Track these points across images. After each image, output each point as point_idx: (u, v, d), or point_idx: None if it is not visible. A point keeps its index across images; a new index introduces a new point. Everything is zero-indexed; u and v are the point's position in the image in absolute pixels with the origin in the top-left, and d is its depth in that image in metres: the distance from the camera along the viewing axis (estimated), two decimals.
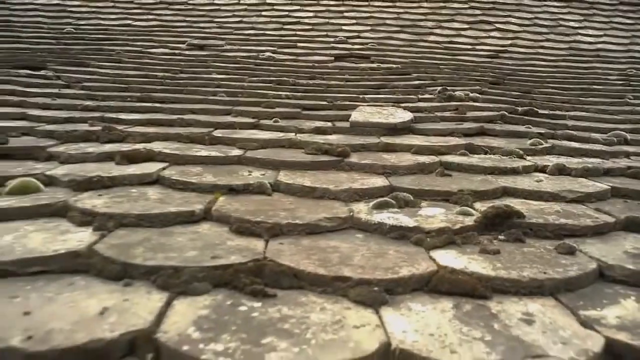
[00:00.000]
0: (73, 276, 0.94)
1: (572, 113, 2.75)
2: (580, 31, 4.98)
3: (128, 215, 1.16)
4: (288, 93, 2.84)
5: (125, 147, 1.79)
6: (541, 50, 4.50)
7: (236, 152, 1.77)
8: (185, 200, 1.30)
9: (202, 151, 1.75)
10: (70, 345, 0.71)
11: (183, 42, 4.31)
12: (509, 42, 4.64)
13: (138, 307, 0.82)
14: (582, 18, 5.26)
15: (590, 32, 4.97)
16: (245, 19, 5.06)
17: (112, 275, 0.94)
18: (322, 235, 1.16)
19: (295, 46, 4.29)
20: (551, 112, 2.70)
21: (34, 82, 2.95)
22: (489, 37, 4.72)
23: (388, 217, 1.23)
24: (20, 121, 2.19)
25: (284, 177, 1.52)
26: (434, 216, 1.26)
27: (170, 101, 2.64)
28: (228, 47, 4.29)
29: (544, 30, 4.94)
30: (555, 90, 3.29)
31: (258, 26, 4.89)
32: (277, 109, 2.48)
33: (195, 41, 4.35)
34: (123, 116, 2.27)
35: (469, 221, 1.23)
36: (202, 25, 4.90)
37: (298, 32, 4.68)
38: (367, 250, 1.07)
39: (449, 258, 1.04)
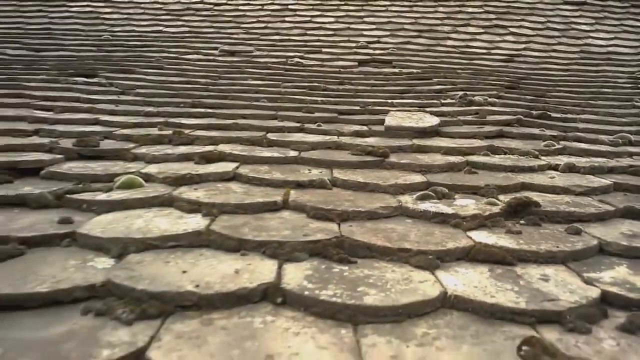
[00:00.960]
0: (200, 249, 1.26)
1: (582, 116, 3.01)
2: (591, 34, 5.17)
3: (227, 205, 1.48)
4: (323, 98, 3.14)
5: (196, 149, 2.11)
6: (553, 54, 4.73)
7: (292, 153, 2.08)
8: (265, 193, 1.61)
9: (265, 152, 2.06)
10: (227, 291, 1.02)
11: (214, 48, 4.61)
12: (523, 45, 4.88)
13: (260, 268, 1.14)
14: (593, 21, 5.46)
15: (602, 35, 5.15)
16: (270, 25, 5.34)
17: (230, 248, 1.25)
18: (380, 220, 1.46)
19: (320, 51, 4.56)
20: (563, 115, 2.96)
21: (93, 90, 3.27)
22: (504, 41, 4.97)
23: (430, 206, 1.53)
24: (94, 126, 2.51)
25: (338, 174, 1.82)
26: (467, 206, 1.56)
27: (219, 107, 2.96)
28: (257, 53, 4.58)
29: (556, 33, 5.16)
30: (567, 94, 3.53)
31: (283, 32, 5.17)
32: (317, 114, 2.78)
33: (227, 47, 4.66)
34: (184, 121, 2.58)
35: (495, 209, 1.53)
36: (229, 31, 5.18)
37: (321, 38, 4.96)
38: (417, 231, 1.38)
39: (482, 236, 1.34)
